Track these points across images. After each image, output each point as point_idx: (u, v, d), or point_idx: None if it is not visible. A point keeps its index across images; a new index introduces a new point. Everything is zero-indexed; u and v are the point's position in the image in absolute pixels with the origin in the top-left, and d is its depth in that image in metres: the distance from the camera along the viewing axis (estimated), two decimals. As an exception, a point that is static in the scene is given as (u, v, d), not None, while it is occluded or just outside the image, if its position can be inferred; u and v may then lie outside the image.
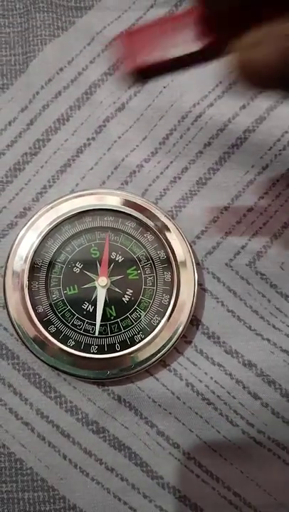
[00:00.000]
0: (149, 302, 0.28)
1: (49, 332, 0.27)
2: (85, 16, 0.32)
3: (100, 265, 0.28)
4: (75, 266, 0.28)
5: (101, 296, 0.28)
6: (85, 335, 0.27)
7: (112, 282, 0.28)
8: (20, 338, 0.27)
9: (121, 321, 0.28)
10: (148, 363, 0.27)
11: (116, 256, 0.28)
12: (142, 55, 0.20)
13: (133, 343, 0.27)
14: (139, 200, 0.29)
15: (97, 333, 0.27)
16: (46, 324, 0.27)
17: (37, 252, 0.28)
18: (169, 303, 0.27)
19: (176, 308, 0.27)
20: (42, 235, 0.28)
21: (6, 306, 0.28)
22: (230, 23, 0.17)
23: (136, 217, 0.29)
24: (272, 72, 0.16)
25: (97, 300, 0.28)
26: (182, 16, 0.19)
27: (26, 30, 0.32)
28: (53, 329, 0.27)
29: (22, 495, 0.27)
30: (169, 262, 0.28)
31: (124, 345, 0.27)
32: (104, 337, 0.27)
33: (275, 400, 0.27)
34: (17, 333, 0.27)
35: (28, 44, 0.32)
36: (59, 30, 0.32)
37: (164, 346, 0.27)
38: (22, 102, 0.31)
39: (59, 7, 0.32)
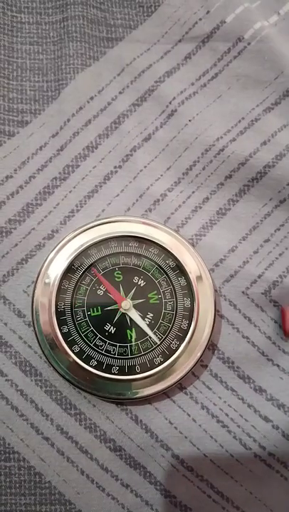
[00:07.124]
0: (169, 326, 0.29)
1: (73, 351, 0.28)
2: (115, 47, 0.34)
3: (123, 289, 0.29)
4: (99, 288, 0.29)
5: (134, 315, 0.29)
6: (106, 355, 0.29)
7: (133, 305, 0.29)
8: (45, 355, 0.29)
9: (141, 343, 0.29)
10: (166, 386, 0.28)
11: (138, 280, 0.30)
12: None
13: (152, 366, 0.28)
14: (162, 228, 0.31)
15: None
16: (71, 344, 0.28)
17: (65, 274, 0.29)
18: (189, 328, 0.29)
19: (195, 333, 0.29)
20: (70, 258, 0.29)
21: (33, 325, 0.29)
22: None
23: (158, 244, 0.30)
24: None
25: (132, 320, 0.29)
26: None
27: (59, 58, 0.33)
28: (76, 349, 0.28)
29: (40, 508, 0.28)
30: (189, 288, 0.29)
31: (144, 368, 0.28)
32: (124, 358, 0.29)
33: (284, 422, 0.29)
34: (42, 351, 0.29)
35: (60, 71, 0.33)
36: (91, 60, 0.33)
37: (182, 370, 0.28)
38: (53, 128, 0.32)
39: (91, 37, 0.34)
